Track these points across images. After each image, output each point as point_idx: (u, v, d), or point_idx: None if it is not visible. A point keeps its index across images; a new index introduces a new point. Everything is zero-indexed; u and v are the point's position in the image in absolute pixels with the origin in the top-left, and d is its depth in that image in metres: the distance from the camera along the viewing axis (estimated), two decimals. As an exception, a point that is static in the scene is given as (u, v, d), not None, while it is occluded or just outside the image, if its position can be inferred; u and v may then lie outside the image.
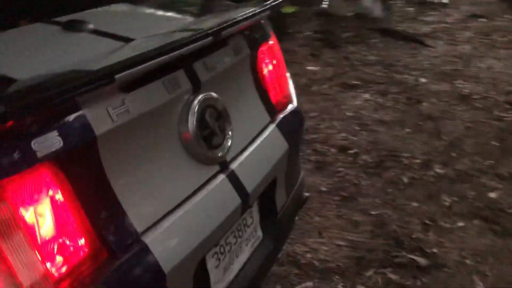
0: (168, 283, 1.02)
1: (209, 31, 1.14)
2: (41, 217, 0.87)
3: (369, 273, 2.19)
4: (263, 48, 1.58)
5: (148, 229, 1.02)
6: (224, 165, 1.26)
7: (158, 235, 1.02)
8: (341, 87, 4.42)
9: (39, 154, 0.83)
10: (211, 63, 1.26)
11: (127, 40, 1.18)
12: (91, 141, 0.92)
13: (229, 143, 1.28)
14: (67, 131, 0.88)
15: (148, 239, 1.00)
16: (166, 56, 1.02)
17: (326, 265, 2.24)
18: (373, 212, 2.60)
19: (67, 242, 0.90)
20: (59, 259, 0.88)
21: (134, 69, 0.92)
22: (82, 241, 0.92)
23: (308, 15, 6.86)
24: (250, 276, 1.42)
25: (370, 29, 6.11)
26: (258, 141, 1.43)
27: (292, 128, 1.64)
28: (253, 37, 1.51)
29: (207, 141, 1.20)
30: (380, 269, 2.21)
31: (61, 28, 1.25)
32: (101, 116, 0.95)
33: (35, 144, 0.83)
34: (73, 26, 1.24)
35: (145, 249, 0.99)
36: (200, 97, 1.19)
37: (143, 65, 0.95)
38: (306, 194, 2.00)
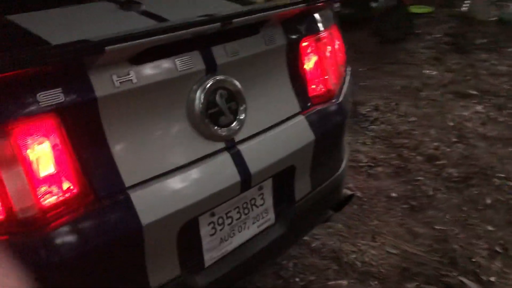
0: (144, 236, 1.16)
1: (223, 18, 1.24)
2: (39, 157, 1.06)
3: (411, 286, 2.11)
4: (308, 40, 1.62)
5: (135, 185, 1.17)
6: (230, 144, 1.36)
7: (143, 192, 1.17)
8: (453, 95, 4.14)
9: (42, 105, 1.02)
10: (233, 49, 1.36)
11: (162, 20, 1.34)
12: (92, 101, 1.09)
13: (239, 125, 1.37)
14: (70, 90, 1.06)
15: (133, 193, 1.15)
16: (172, 34, 1.14)
17: (368, 268, 2.21)
18: (438, 227, 2.46)
19: (59, 181, 1.09)
20: (49, 193, 1.08)
21: (128, 43, 1.06)
22: (71, 182, 1.10)
23: (444, 17, 6.46)
24: (250, 254, 1.51)
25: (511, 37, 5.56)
26: (277, 128, 1.50)
27: (327, 123, 1.66)
28: (294, 28, 1.56)
29: (214, 119, 1.31)
30: (423, 285, 2.11)
31: (118, 6, 1.45)
32: (105, 81, 1.11)
33: (40, 96, 1.02)
34: (128, 6, 1.43)
35: (128, 201, 1.14)
36: (212, 78, 1.30)
37: (140, 41, 1.08)
38: (350, 192, 2.00)
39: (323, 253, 2.31)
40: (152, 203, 1.18)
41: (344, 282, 2.14)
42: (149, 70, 1.19)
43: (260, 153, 1.42)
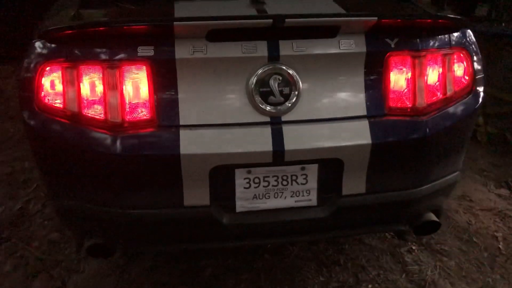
0: (181, 162, 1.61)
1: (281, 17, 1.55)
2: (130, 88, 1.63)
3: None
4: (399, 55, 1.72)
5: (186, 125, 1.62)
6: (275, 120, 1.65)
7: (189, 132, 1.62)
8: None
9: (140, 54, 1.59)
10: (301, 46, 1.63)
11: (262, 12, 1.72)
12: (172, 60, 1.60)
13: (288, 107, 1.65)
14: (159, 49, 1.59)
15: (182, 130, 1.62)
16: (233, 21, 1.54)
17: None
18: None
19: (138, 107, 1.64)
20: (129, 113, 1.64)
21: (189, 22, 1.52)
22: (147, 110, 1.64)
23: None
24: (281, 220, 1.78)
25: None
26: (333, 122, 1.69)
27: (397, 135, 1.72)
28: (381, 41, 1.70)
29: (264, 97, 1.64)
30: None
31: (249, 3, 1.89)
32: (184, 49, 1.59)
33: (139, 48, 1.59)
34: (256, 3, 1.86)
35: (176, 134, 1.61)
36: (271, 64, 1.63)
37: (200, 22, 1.52)
38: (432, 217, 1.96)
39: (413, 278, 2.27)
40: (192, 142, 1.62)
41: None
42: (218, 48, 1.61)
43: (302, 136, 1.66)
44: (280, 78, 1.64)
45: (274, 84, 1.63)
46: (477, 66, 1.89)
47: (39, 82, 1.63)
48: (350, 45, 1.67)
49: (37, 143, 1.73)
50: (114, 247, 1.86)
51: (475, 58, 1.88)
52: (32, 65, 1.64)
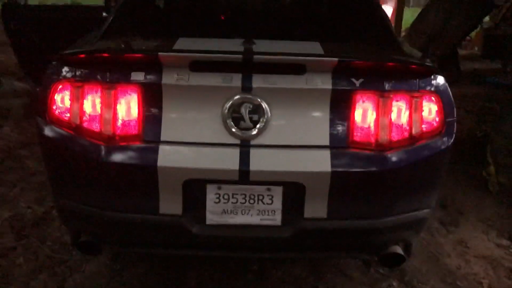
0: (158, 175, 1.85)
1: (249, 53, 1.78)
2: (123, 107, 1.91)
3: None
4: (366, 94, 1.89)
5: (166, 141, 1.86)
6: (244, 143, 1.86)
7: (168, 147, 1.85)
8: None
9: (132, 79, 1.87)
10: (271, 80, 1.85)
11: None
12: (159, 85, 1.86)
13: (256, 132, 1.85)
14: (148, 74, 1.86)
15: (161, 145, 1.86)
16: (209, 55, 1.79)
17: None
18: None
19: (128, 123, 1.91)
20: (120, 128, 1.91)
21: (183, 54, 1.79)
22: (136, 125, 1.90)
23: None
24: (247, 235, 1.95)
25: None
26: (297, 149, 1.88)
27: (355, 167, 1.87)
28: (348, 80, 1.88)
29: (235, 122, 1.86)
30: None
31: (242, 42, 2.14)
32: (170, 76, 1.86)
33: (132, 74, 1.87)
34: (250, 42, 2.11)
35: (156, 148, 1.86)
36: (243, 94, 1.85)
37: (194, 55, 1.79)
38: (397, 250, 2.05)
39: None
40: (169, 156, 1.86)
41: None
42: (199, 77, 1.86)
43: (267, 159, 1.85)
44: (251, 106, 1.86)
45: (245, 111, 1.86)
46: (447, 110, 2.01)
47: (52, 97, 1.95)
48: (317, 82, 1.87)
49: (45, 148, 2.04)
50: (101, 246, 2.10)
51: (445, 102, 2.01)
52: (48, 83, 1.96)
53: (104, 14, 4.46)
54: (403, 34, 7.73)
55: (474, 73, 7.73)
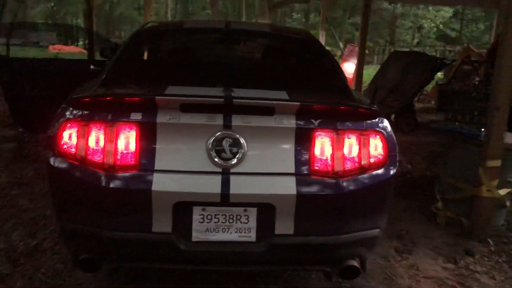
0: (152, 196, 2.21)
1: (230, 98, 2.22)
2: (122, 142, 2.29)
3: None
4: (322, 131, 2.33)
5: (159, 170, 2.24)
6: (225, 171, 2.26)
7: (161, 174, 2.23)
8: None
9: (132, 118, 2.27)
10: (247, 119, 2.28)
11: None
12: (154, 123, 2.26)
13: (235, 162, 2.25)
14: (145, 115, 2.27)
15: (155, 173, 2.24)
16: (193, 99, 2.22)
17: None
18: None
19: (127, 155, 2.29)
20: (120, 159, 2.28)
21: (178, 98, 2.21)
22: (133, 157, 2.28)
23: None
24: (227, 250, 2.31)
25: None
26: (269, 176, 2.28)
27: (314, 191, 2.28)
28: (308, 121, 2.32)
29: (218, 153, 2.26)
30: None
31: (222, 89, 2.58)
32: (163, 116, 2.26)
33: (131, 114, 2.27)
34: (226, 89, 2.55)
35: (151, 176, 2.23)
36: (224, 131, 2.27)
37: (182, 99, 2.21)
38: (354, 263, 2.43)
39: None
40: (161, 182, 2.23)
41: None
42: (188, 116, 2.27)
43: (244, 184, 2.25)
44: (231, 141, 2.27)
45: (226, 144, 2.27)
46: (390, 146, 2.47)
47: (61, 134, 2.32)
48: (284, 122, 2.31)
49: (53, 177, 2.38)
50: (100, 262, 2.40)
51: (388, 140, 2.47)
52: (58, 122, 2.34)
53: (92, 66, 4.90)
54: (364, 87, 8.41)
55: (430, 124, 8.42)
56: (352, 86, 9.71)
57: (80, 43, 27.86)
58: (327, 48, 3.69)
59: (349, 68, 12.08)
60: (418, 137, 7.56)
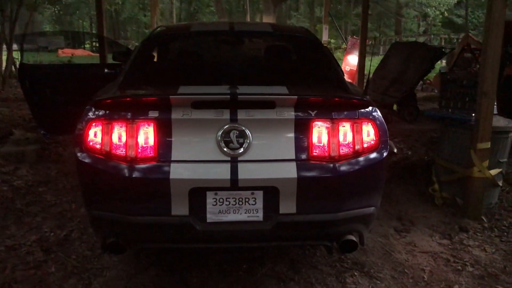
0: (171, 185, 2.52)
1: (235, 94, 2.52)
2: (141, 137, 2.60)
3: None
4: (320, 122, 2.62)
5: (175, 160, 2.54)
6: (233, 159, 2.56)
7: (177, 164, 2.53)
8: None
9: (150, 115, 2.58)
10: (251, 113, 2.57)
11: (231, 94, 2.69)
12: (169, 119, 2.57)
13: (242, 151, 2.55)
14: (159, 112, 2.57)
15: (172, 163, 2.54)
16: (202, 96, 2.52)
17: None
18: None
19: (147, 148, 2.59)
20: (141, 152, 2.59)
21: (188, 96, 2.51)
22: (152, 150, 2.58)
23: None
24: (238, 229, 2.62)
25: None
26: (273, 162, 2.58)
27: (313, 174, 2.58)
28: (307, 112, 2.61)
29: (226, 144, 2.56)
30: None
31: (228, 87, 2.87)
32: (177, 112, 2.57)
33: (149, 112, 2.58)
34: (233, 88, 2.85)
35: (169, 166, 2.54)
36: (231, 124, 2.56)
37: (194, 97, 2.51)
38: (351, 238, 2.73)
39: None
40: (178, 170, 2.54)
41: None
42: (199, 113, 2.57)
43: (251, 170, 2.55)
44: (237, 132, 2.57)
45: (233, 136, 2.57)
46: (381, 132, 2.76)
47: (87, 132, 2.63)
48: (284, 114, 2.60)
49: (81, 171, 2.70)
50: (126, 245, 2.72)
51: (379, 126, 2.75)
52: (84, 122, 2.65)
53: (106, 70, 5.22)
54: (365, 79, 8.64)
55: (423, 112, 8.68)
56: (355, 78, 9.98)
57: (87, 46, 28.41)
58: (331, 41, 3.95)
59: (352, 60, 12.32)
60: (419, 125, 7.81)
